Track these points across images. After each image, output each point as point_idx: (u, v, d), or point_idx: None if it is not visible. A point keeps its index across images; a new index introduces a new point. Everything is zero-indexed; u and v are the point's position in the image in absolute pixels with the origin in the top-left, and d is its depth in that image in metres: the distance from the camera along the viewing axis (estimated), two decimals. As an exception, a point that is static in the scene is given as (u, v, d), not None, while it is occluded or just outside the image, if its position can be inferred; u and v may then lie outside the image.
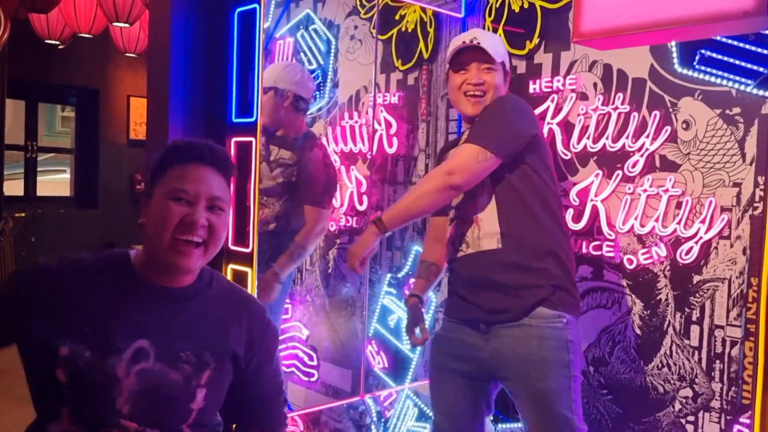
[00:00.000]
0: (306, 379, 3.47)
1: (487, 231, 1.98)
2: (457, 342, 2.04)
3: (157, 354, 1.29)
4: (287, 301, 3.54)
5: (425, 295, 2.26)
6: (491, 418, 2.59)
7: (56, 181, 9.05)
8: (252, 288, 2.27)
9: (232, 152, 2.33)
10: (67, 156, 8.03)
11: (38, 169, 7.47)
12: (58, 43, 5.64)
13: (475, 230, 2.00)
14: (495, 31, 2.66)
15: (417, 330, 2.15)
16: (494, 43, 2.08)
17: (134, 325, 1.30)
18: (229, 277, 2.35)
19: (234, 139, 2.32)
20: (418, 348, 2.95)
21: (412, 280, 2.95)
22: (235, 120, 2.34)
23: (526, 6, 2.55)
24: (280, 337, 3.30)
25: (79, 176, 7.69)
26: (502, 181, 1.97)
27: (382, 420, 3.00)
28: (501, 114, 1.99)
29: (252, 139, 2.27)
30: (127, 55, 6.03)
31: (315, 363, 3.45)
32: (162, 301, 1.36)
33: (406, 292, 2.97)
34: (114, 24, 5.01)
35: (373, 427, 3.03)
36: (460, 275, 2.06)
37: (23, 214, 6.98)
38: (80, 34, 5.36)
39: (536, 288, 1.92)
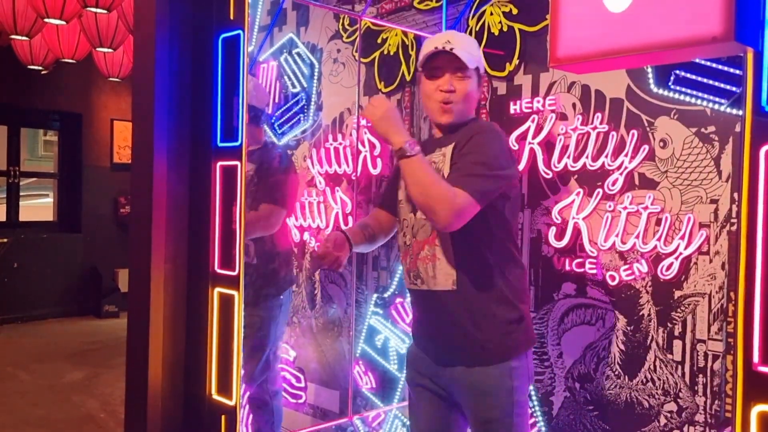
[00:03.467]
0: (294, 401, 3.46)
1: (440, 271, 1.90)
2: (422, 360, 2.04)
3: None
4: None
5: (354, 241, 2.11)
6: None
7: (39, 206, 8.99)
8: (239, 311, 2.27)
9: (217, 176, 2.35)
10: (49, 180, 7.98)
11: (20, 193, 7.42)
12: (41, 68, 5.65)
13: (429, 266, 1.92)
14: (475, 53, 2.71)
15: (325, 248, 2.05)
16: (469, 47, 1.95)
17: None
18: (215, 300, 2.36)
19: (219, 163, 2.34)
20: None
21: (398, 300, 2.98)
22: (220, 144, 2.36)
23: (505, 29, 2.60)
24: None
25: (62, 200, 7.65)
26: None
27: (371, 441, 3.00)
28: (488, 158, 1.83)
29: (237, 163, 2.28)
30: (111, 79, 6.05)
31: (303, 385, 3.44)
32: None
33: (393, 312, 2.99)
34: (97, 49, 5.02)
35: (361, 448, 3.02)
36: (416, 304, 2.05)
37: (5, 240, 6.92)
38: (63, 60, 5.37)
39: (487, 339, 1.88)
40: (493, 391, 1.88)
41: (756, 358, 1.16)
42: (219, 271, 2.35)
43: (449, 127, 1.96)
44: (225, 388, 2.31)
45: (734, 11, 1.07)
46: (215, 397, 2.34)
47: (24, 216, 7.43)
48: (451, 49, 1.89)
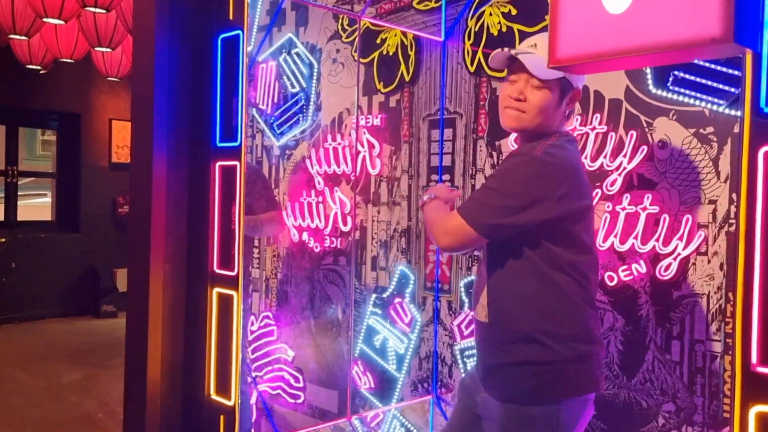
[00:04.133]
0: (292, 401, 3.46)
1: (480, 300, 1.84)
2: (475, 370, 1.99)
3: None
4: (272, 323, 3.55)
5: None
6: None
7: (37, 205, 8.99)
8: (238, 311, 2.27)
9: (217, 176, 2.35)
10: (47, 180, 7.98)
11: (18, 193, 7.42)
12: (39, 68, 5.64)
13: (478, 295, 1.87)
14: (474, 54, 2.72)
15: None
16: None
17: None
18: (214, 300, 2.36)
19: (218, 164, 2.34)
20: (404, 368, 2.96)
21: (397, 300, 2.98)
22: (219, 144, 2.36)
23: (504, 30, 2.60)
24: (267, 359, 3.30)
25: (60, 200, 7.65)
26: (501, 250, 1.79)
27: (370, 441, 3.00)
28: (508, 187, 1.71)
29: (236, 163, 2.29)
30: (109, 78, 6.04)
31: (301, 385, 3.44)
32: None
33: (392, 312, 2.99)
34: (96, 49, 5.02)
35: (360, 448, 3.03)
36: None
37: (3, 240, 6.92)
38: (62, 59, 5.37)
39: (511, 376, 1.77)
40: (502, 426, 1.78)
41: (754, 358, 1.17)
42: (218, 271, 2.35)
43: (517, 132, 1.91)
44: (224, 388, 2.31)
45: (733, 13, 1.07)
46: (214, 397, 2.34)
47: (22, 216, 7.42)
48: (516, 54, 1.76)
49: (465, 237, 1.73)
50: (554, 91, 1.75)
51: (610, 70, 1.88)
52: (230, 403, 2.28)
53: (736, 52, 1.19)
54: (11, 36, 4.96)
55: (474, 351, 2.10)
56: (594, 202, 2.31)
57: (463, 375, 2.07)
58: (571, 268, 1.74)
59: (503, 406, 1.78)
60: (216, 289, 2.35)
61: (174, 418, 2.51)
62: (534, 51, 1.74)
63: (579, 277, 1.74)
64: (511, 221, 1.69)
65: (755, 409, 1.17)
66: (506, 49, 1.79)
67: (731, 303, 2.04)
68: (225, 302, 2.32)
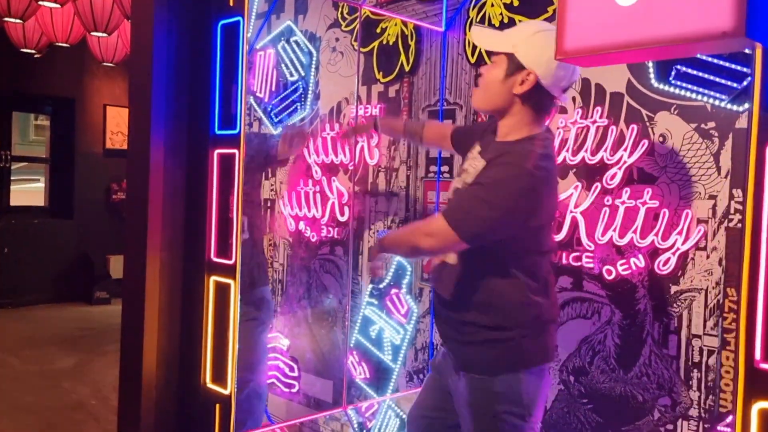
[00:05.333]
0: (287, 390, 3.46)
1: (445, 282, 1.94)
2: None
3: None
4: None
5: (386, 125, 2.54)
6: None
7: (30, 191, 8.93)
8: (235, 300, 2.26)
9: (215, 164, 2.33)
10: (40, 165, 7.93)
11: (11, 178, 7.37)
12: (34, 52, 5.59)
13: (444, 275, 1.95)
14: (475, 45, 2.70)
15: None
16: (512, 31, 1.83)
17: None
18: (211, 289, 2.34)
19: (217, 151, 2.32)
20: (400, 358, 2.96)
21: (394, 291, 2.97)
22: (217, 132, 2.34)
23: (506, 21, 2.59)
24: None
25: (53, 186, 7.60)
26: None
27: (364, 431, 3.00)
28: (499, 200, 1.74)
29: (235, 151, 2.27)
30: (105, 64, 6.00)
31: (296, 374, 3.44)
32: None
33: (388, 303, 2.99)
34: (92, 33, 4.98)
35: (354, 438, 3.03)
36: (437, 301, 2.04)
37: (-4, 225, 6.88)
38: (57, 44, 5.32)
39: (466, 348, 1.91)
40: (474, 403, 1.88)
41: (758, 355, 1.17)
42: (215, 259, 2.33)
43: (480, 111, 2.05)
44: (220, 377, 2.30)
45: (745, 7, 1.06)
46: (210, 385, 2.33)
47: (15, 201, 7.37)
48: (488, 27, 1.87)
49: (448, 241, 1.78)
50: (500, 66, 1.81)
51: (618, 63, 1.87)
52: (226, 392, 2.27)
53: (747, 46, 1.18)
54: (6, 19, 4.91)
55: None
56: (594, 196, 2.32)
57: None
58: (533, 266, 1.86)
59: (467, 378, 1.89)
60: (213, 278, 2.33)
61: (169, 407, 2.51)
62: (501, 29, 1.87)
63: (539, 274, 1.87)
64: (496, 233, 1.78)
65: (758, 406, 1.17)
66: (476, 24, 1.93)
67: (729, 298, 2.04)
68: (222, 291, 2.31)
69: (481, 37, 1.90)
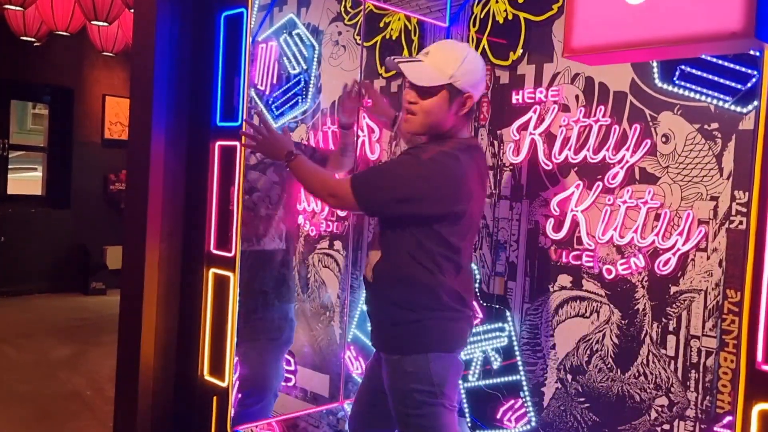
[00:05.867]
0: (284, 384, 3.46)
1: (370, 262, 2.11)
2: None
3: None
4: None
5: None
6: (469, 424, 2.62)
7: (27, 180, 8.90)
8: (234, 293, 2.26)
9: (216, 156, 2.32)
10: (38, 154, 7.90)
11: (9, 166, 7.34)
12: (33, 40, 5.56)
13: (369, 255, 2.14)
14: (479, 42, 2.69)
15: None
16: (441, 62, 1.97)
17: None
18: (210, 281, 2.34)
19: (218, 143, 2.32)
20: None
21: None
22: (219, 124, 2.33)
23: (510, 17, 2.58)
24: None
25: (51, 175, 7.57)
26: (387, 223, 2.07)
27: (360, 426, 3.00)
28: (396, 179, 1.97)
29: (237, 143, 2.26)
30: (104, 53, 5.97)
31: (293, 368, 3.44)
32: None
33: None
34: (92, 22, 4.95)
35: (350, 433, 3.03)
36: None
37: (-7, 213, 6.86)
38: (57, 32, 5.29)
39: (381, 330, 2.09)
40: (392, 383, 2.03)
41: (760, 356, 1.16)
42: (215, 251, 2.33)
43: (415, 136, 2.10)
44: (218, 369, 2.30)
45: (755, 8, 1.06)
46: (207, 378, 2.34)
47: (12, 190, 7.35)
48: (399, 63, 2.00)
49: (348, 205, 2.03)
50: (440, 96, 1.96)
51: (625, 62, 1.87)
52: (224, 384, 2.28)
53: (755, 47, 1.17)
54: (6, 6, 4.89)
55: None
56: (595, 195, 2.32)
57: None
58: (447, 256, 2.01)
59: (386, 357, 2.06)
60: (212, 270, 2.33)
61: (166, 398, 2.51)
62: (423, 59, 1.97)
63: (454, 263, 2.02)
64: (390, 208, 1.98)
65: (758, 407, 1.17)
66: (394, 58, 2.03)
67: (729, 300, 2.04)
68: (221, 283, 2.31)
69: (415, 73, 1.97)
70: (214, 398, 2.31)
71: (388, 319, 2.06)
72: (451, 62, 1.97)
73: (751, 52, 1.87)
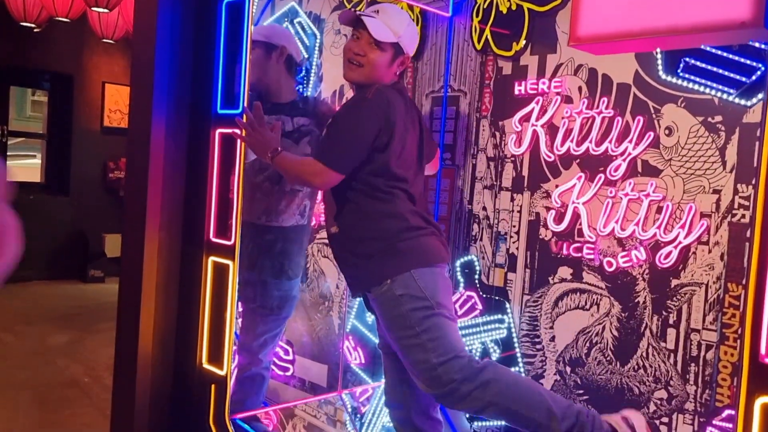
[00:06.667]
0: (281, 373, 3.46)
1: (328, 216, 2.27)
2: None
3: None
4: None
5: None
6: (466, 415, 2.62)
7: (26, 167, 8.88)
8: (233, 281, 2.25)
9: (216, 144, 2.31)
10: (37, 141, 7.88)
11: (8, 153, 7.32)
12: (33, 25, 5.53)
13: (328, 213, 2.29)
14: (482, 32, 2.67)
15: None
16: (392, 22, 2.17)
17: None
18: (209, 269, 2.33)
19: (219, 131, 2.31)
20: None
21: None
22: (220, 111, 2.32)
23: (513, 8, 2.56)
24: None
25: (50, 162, 7.55)
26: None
27: (358, 415, 3.01)
28: (344, 132, 2.12)
29: (237, 131, 2.25)
30: (104, 40, 5.94)
31: (291, 357, 3.44)
32: None
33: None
34: (93, 9, 4.92)
35: (348, 422, 3.03)
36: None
37: (-8, 200, 6.83)
38: (57, 18, 5.26)
39: (360, 270, 2.20)
40: (388, 315, 2.13)
41: (763, 349, 1.16)
42: (214, 240, 2.32)
43: (353, 84, 2.26)
44: (216, 357, 2.30)
45: (765, -3, 1.04)
46: (206, 366, 2.33)
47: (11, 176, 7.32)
48: (361, 15, 2.16)
49: (330, 177, 2.10)
50: (388, 52, 2.19)
51: (631, 51, 1.85)
52: (222, 373, 2.27)
53: (763, 37, 1.16)
54: (6, -8, 4.85)
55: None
56: (597, 187, 2.31)
57: None
58: (393, 188, 2.16)
59: (375, 294, 2.14)
60: (212, 258, 2.32)
61: (164, 386, 2.50)
62: (376, 16, 2.16)
63: (406, 192, 2.18)
64: (360, 154, 2.11)
65: (761, 401, 1.17)
66: (354, 10, 2.25)
67: (730, 293, 2.04)
68: (220, 271, 2.30)
69: (377, 27, 2.14)
70: (213, 386, 2.30)
71: (364, 255, 2.16)
72: (400, 23, 2.20)
73: (757, 45, 1.86)
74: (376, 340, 3.02)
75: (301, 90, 3.39)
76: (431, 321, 2.07)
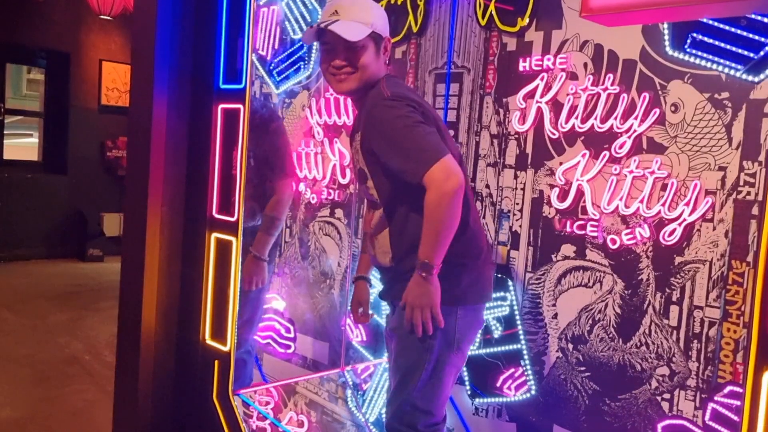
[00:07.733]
0: (283, 351, 3.47)
1: (381, 248, 2.07)
2: None
3: None
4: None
5: (370, 272, 2.38)
6: (468, 392, 2.63)
7: (23, 146, 8.83)
8: (236, 257, 2.25)
9: (219, 119, 2.29)
10: (34, 120, 7.83)
11: (4, 132, 7.27)
12: None
13: (378, 243, 2.09)
14: (486, 8, 2.64)
15: (360, 309, 2.30)
16: (357, 15, 1.98)
17: None
18: (212, 246, 2.33)
19: (221, 106, 2.29)
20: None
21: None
22: (222, 86, 2.30)
23: (519, -17, 2.53)
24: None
25: (47, 141, 7.51)
26: (391, 196, 2.01)
27: (359, 392, 3.02)
28: (403, 130, 1.89)
29: (240, 106, 2.23)
30: (102, 17, 5.88)
31: (292, 335, 3.44)
32: None
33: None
34: (90, -16, 4.86)
35: (350, 399, 3.04)
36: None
37: (-11, 178, 6.81)
38: (54, -6, 5.20)
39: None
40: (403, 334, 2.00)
41: (772, 323, 1.16)
42: (217, 216, 2.31)
43: (350, 95, 2.07)
44: (220, 333, 2.30)
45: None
46: (209, 342, 2.33)
47: (8, 155, 7.29)
48: (328, 27, 1.94)
49: (450, 167, 1.83)
50: (370, 46, 2.01)
51: (642, 23, 1.83)
52: (226, 349, 2.27)
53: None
54: (2, -34, 4.79)
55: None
56: (601, 164, 2.30)
57: None
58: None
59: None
60: (214, 234, 2.31)
61: (167, 363, 2.51)
62: (338, 17, 1.96)
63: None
64: (438, 142, 1.87)
65: (769, 374, 1.17)
66: (312, 25, 2.03)
67: (734, 270, 2.04)
68: (223, 248, 2.29)
69: (347, 30, 1.95)
70: (216, 362, 2.31)
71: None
72: (366, 11, 2.03)
73: (766, 20, 1.84)
74: (377, 318, 3.02)
75: (301, 68, 3.37)
76: (441, 366, 1.99)
